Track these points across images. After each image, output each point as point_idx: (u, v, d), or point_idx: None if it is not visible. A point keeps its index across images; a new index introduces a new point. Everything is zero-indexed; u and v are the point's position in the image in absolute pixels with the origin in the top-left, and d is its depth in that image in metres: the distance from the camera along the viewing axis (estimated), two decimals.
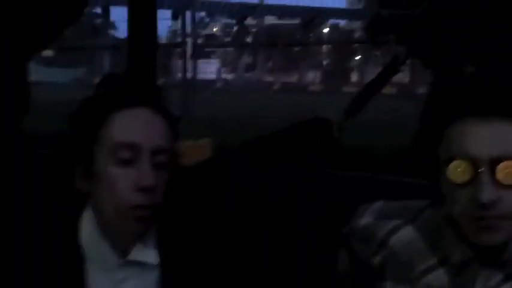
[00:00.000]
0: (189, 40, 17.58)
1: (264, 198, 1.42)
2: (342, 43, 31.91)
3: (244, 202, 1.39)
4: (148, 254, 1.08)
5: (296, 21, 22.76)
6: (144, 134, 1.03)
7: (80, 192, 1.07)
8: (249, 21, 23.07)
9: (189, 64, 17.14)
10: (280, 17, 26.65)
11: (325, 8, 21.62)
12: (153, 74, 3.26)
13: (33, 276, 1.05)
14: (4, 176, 1.86)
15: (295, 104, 13.30)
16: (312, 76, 32.71)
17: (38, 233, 1.07)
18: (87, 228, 1.07)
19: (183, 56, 16.76)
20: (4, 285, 1.05)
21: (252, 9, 20.29)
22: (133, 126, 1.03)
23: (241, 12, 19.10)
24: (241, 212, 1.28)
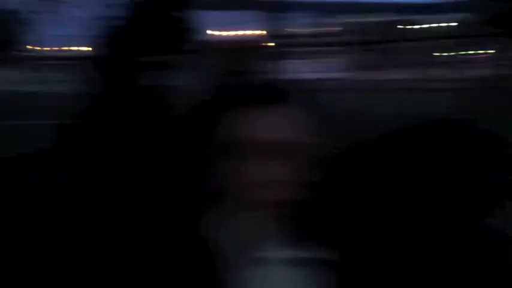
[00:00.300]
0: (281, 40, 17.77)
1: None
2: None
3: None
4: (282, 250, 1.09)
5: (393, 17, 22.49)
6: (276, 129, 1.05)
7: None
8: (345, 19, 23.02)
9: (282, 64, 17.23)
10: (376, 14, 26.41)
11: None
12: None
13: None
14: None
15: (404, 103, 12.99)
16: (424, 73, 31.91)
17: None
18: (221, 224, 1.12)
19: (276, 56, 16.89)
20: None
21: (347, 7, 20.20)
22: (262, 122, 1.05)
23: (336, 11, 19.10)
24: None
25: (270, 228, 1.07)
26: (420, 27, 27.89)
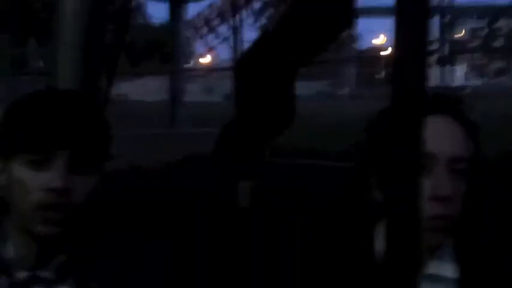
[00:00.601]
0: (437, 46, 17.14)
1: None
2: None
3: None
4: (445, 268, 1.05)
5: None
6: (441, 142, 1.01)
7: (375, 203, 1.10)
8: (500, 23, 21.66)
9: (437, 71, 16.68)
10: None
11: None
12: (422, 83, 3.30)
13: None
14: None
15: None
16: None
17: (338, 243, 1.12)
18: (379, 238, 1.10)
19: (432, 63, 16.36)
20: None
21: (502, 11, 19.02)
22: (431, 135, 1.04)
23: (491, 15, 18.04)
24: None
25: (435, 244, 1.02)
26: None
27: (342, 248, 1.10)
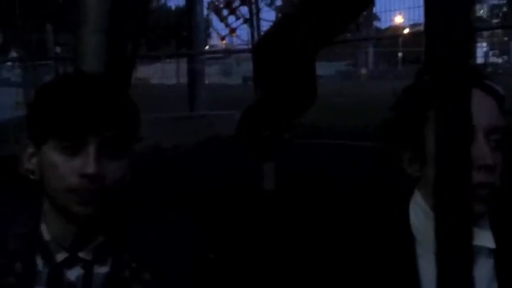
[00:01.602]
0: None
1: None
2: None
3: None
4: (484, 238, 1.06)
5: None
6: (478, 114, 1.00)
7: (407, 176, 1.10)
8: None
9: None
10: None
11: None
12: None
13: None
14: None
15: None
16: None
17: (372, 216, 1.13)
18: (417, 213, 1.11)
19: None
20: None
21: None
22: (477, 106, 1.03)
23: None
24: None
25: (479, 213, 1.02)
26: None
27: (376, 227, 1.10)
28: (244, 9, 7.03)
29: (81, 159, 1.02)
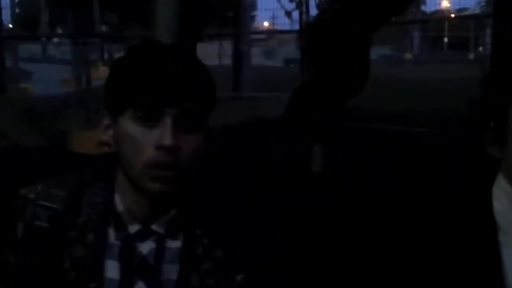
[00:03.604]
0: None
1: None
2: None
3: None
4: None
5: None
6: None
7: (492, 158, 1.06)
8: None
9: None
10: None
11: None
12: None
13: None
14: None
15: None
16: None
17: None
18: (500, 198, 1.07)
19: None
20: None
21: None
22: None
23: None
24: None
25: None
26: None
27: (456, 215, 1.07)
28: None
29: (158, 131, 1.00)
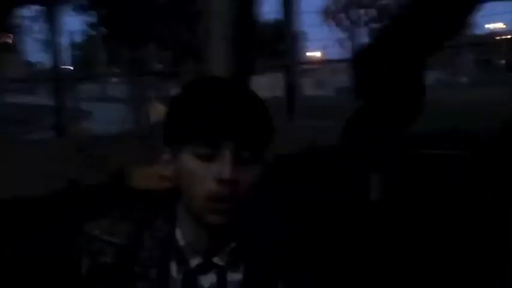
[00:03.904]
0: None
1: None
2: None
3: None
4: None
5: None
6: None
7: None
8: None
9: None
10: None
11: None
12: None
13: None
14: None
15: None
16: None
17: None
18: None
19: None
20: None
21: None
22: None
23: None
24: None
25: None
26: None
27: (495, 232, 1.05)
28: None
29: (217, 165, 1.02)
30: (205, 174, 1.02)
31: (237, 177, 1.01)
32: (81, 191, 5.18)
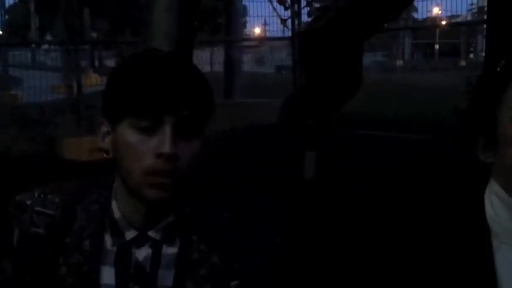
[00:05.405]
0: None
1: None
2: None
3: None
4: None
5: None
6: None
7: (484, 163, 1.07)
8: None
9: None
10: None
11: None
12: None
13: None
14: None
15: None
16: None
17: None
18: (493, 202, 1.08)
19: None
20: None
21: None
22: None
23: None
24: None
25: None
26: None
27: (449, 219, 1.07)
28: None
29: (157, 139, 1.01)
30: (144, 148, 1.01)
31: (177, 151, 1.01)
32: (12, 160, 5.04)
